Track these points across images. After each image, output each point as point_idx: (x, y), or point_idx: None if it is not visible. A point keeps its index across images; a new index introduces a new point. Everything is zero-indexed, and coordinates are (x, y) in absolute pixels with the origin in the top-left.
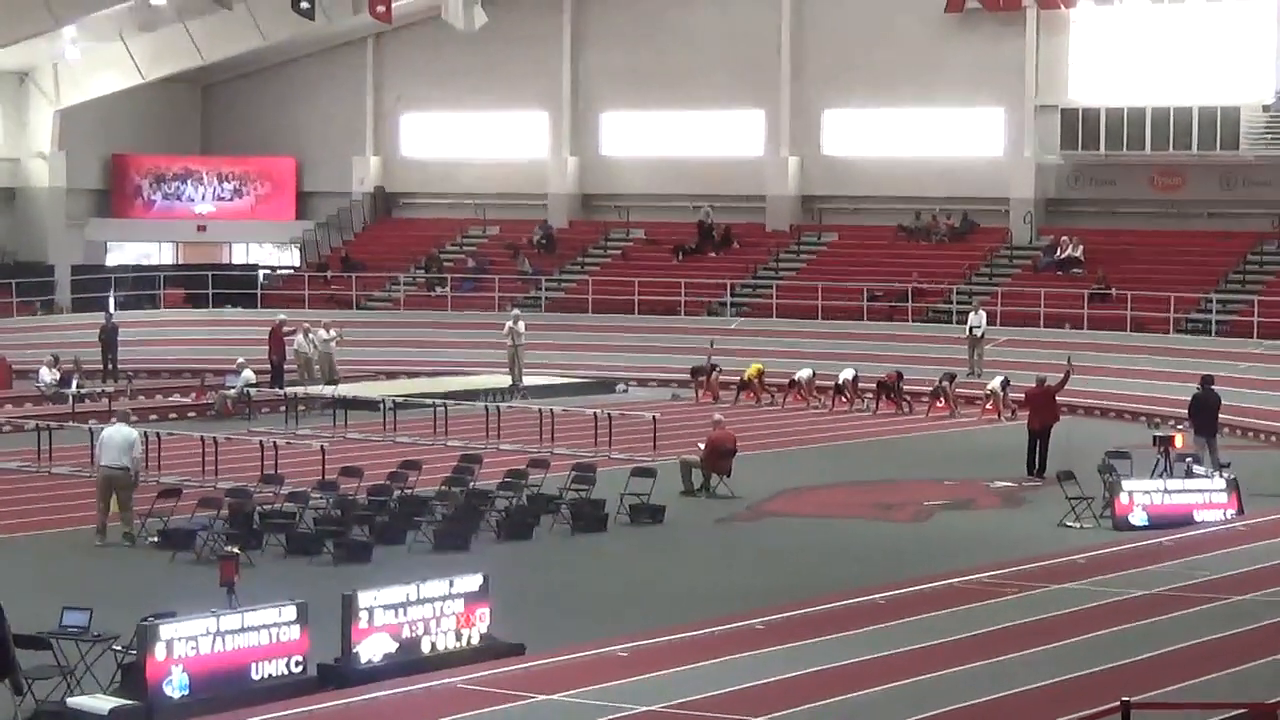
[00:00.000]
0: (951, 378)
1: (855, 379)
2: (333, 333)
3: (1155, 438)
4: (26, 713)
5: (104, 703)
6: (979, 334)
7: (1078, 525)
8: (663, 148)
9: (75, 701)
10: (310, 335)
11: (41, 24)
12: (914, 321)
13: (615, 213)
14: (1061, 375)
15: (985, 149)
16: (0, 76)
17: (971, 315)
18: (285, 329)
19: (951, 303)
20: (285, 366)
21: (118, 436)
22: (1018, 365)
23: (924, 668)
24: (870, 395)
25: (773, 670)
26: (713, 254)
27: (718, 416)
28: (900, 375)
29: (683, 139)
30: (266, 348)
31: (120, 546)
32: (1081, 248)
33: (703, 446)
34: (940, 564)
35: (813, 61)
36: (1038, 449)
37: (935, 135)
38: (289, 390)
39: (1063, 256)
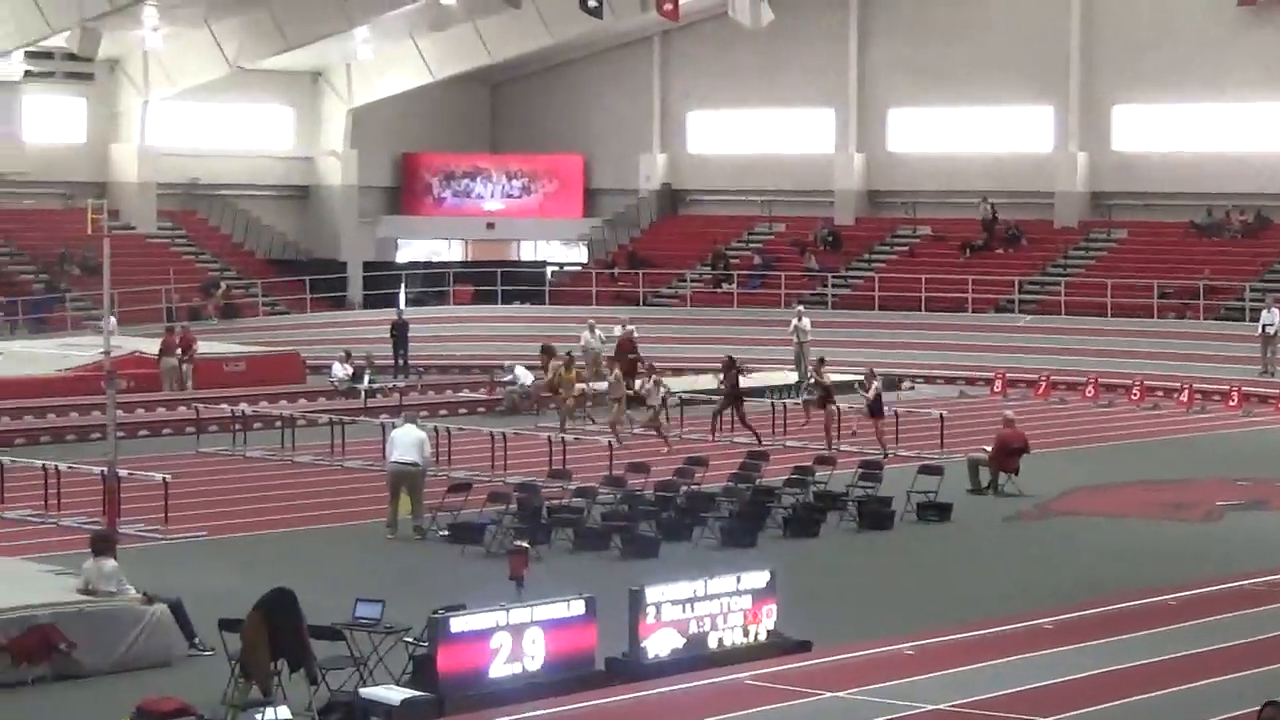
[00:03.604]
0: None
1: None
2: (628, 329)
3: None
4: (321, 702)
5: (396, 694)
6: (1272, 332)
7: None
8: (950, 144)
9: (368, 692)
10: (598, 331)
11: (335, 25)
12: (1205, 320)
13: (902, 209)
14: None
15: None
16: (295, 76)
17: (1265, 313)
18: (634, 336)
19: (1244, 300)
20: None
21: (408, 434)
22: None
23: (1215, 670)
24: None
25: (1062, 670)
26: (1000, 251)
27: (1008, 414)
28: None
29: (970, 135)
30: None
31: (411, 540)
32: None
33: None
34: (1233, 565)
35: (1102, 56)
36: None
37: (1227, 130)
38: (578, 386)
39: None
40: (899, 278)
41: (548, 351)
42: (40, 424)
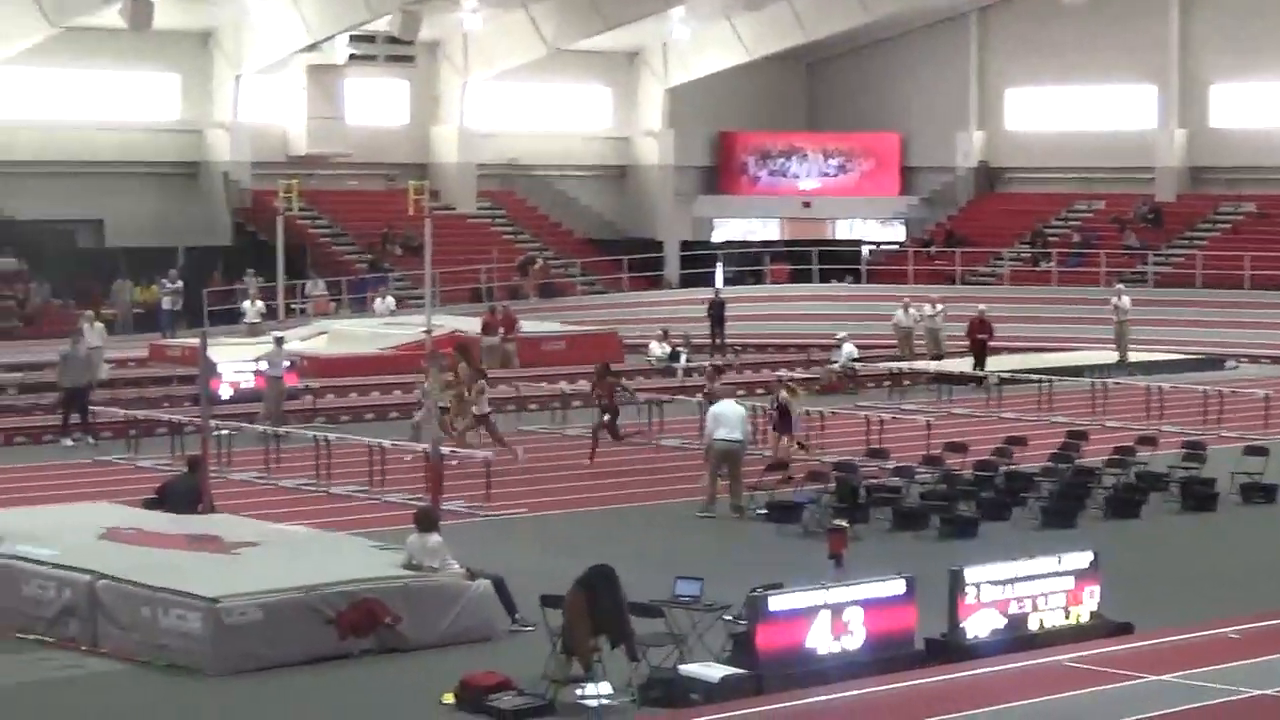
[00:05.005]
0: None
1: None
2: (939, 308)
3: None
4: (640, 679)
5: (715, 671)
6: None
7: None
8: (1274, 118)
9: (687, 669)
10: (911, 309)
11: (652, 5)
12: None
13: (1225, 186)
14: None
15: None
16: (612, 57)
17: None
18: (985, 314)
19: None
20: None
21: (731, 411)
22: None
23: None
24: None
25: None
26: None
27: None
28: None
29: None
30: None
31: (729, 518)
32: None
33: None
34: None
35: None
36: None
37: None
38: (892, 365)
39: None
40: (1222, 255)
41: (464, 351)
42: (364, 402)
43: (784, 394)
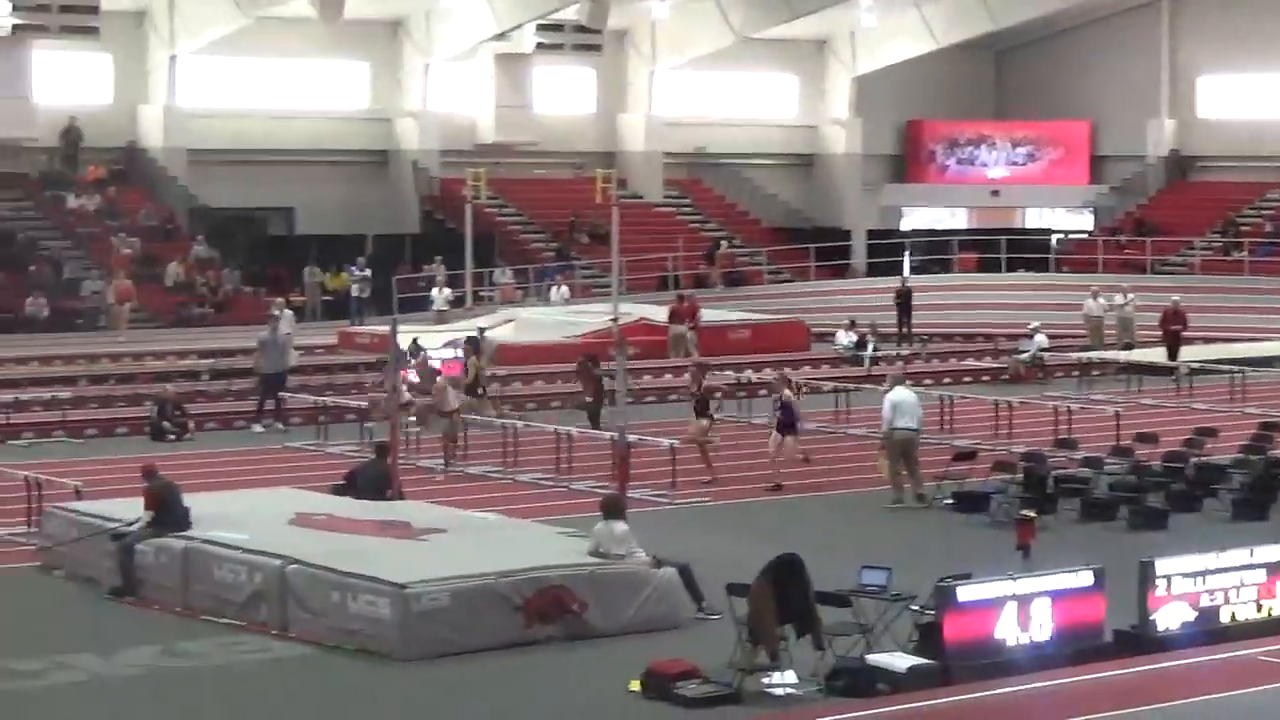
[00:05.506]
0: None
1: None
2: (1130, 297)
3: None
4: (827, 668)
5: (902, 661)
6: None
7: None
8: None
9: (874, 658)
10: (1101, 298)
11: None
12: None
13: None
14: None
15: None
16: (799, 45)
17: None
18: (1179, 305)
19: None
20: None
21: (910, 399)
22: None
23: None
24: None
25: None
26: None
27: None
28: None
29: None
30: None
31: (916, 508)
32: None
33: None
34: None
35: None
36: None
37: None
38: (1081, 355)
39: None
40: None
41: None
42: (551, 389)
43: (787, 392)
